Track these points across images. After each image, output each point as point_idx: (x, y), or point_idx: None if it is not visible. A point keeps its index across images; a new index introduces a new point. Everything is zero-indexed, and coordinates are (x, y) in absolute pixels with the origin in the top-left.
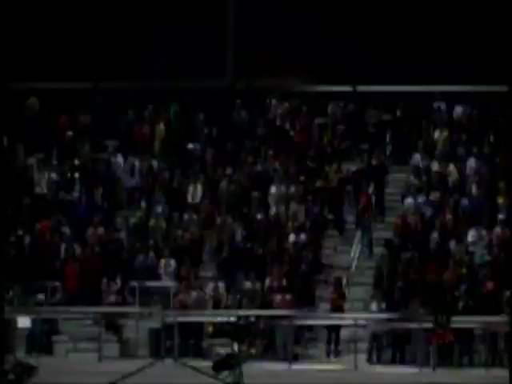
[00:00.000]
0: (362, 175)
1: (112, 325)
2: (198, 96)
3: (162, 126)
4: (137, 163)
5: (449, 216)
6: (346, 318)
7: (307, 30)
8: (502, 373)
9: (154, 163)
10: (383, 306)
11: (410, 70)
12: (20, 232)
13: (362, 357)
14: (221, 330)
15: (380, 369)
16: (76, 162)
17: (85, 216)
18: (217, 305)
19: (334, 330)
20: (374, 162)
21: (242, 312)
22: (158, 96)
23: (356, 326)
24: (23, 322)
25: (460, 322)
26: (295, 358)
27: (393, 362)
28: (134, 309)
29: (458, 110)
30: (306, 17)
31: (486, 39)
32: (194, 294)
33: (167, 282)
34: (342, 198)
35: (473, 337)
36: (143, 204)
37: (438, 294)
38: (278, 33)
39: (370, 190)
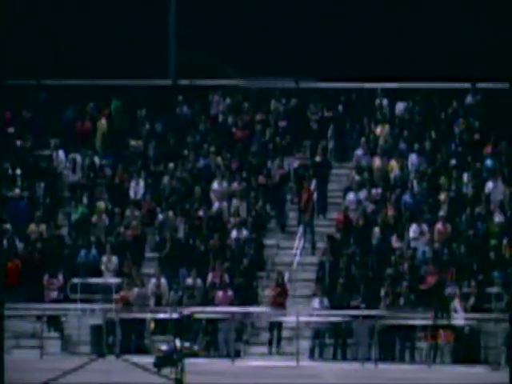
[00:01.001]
0: (304, 171)
1: (54, 321)
2: (140, 92)
3: (103, 122)
4: (79, 159)
5: (390, 212)
6: (287, 315)
7: (248, 27)
8: (442, 369)
9: (96, 159)
10: (325, 302)
11: (352, 66)
12: None
13: (304, 353)
14: (163, 327)
15: (322, 365)
16: (18, 158)
17: (26, 212)
18: (159, 301)
19: (276, 326)
20: (316, 158)
21: (184, 308)
22: (99, 92)
23: (298, 321)
24: None
25: (401, 317)
26: (237, 355)
27: (335, 358)
28: (76, 305)
29: (400, 106)
30: (246, 14)
31: (429, 36)
32: (136, 290)
33: (109, 279)
34: (284, 194)
35: (414, 333)
36: (85, 200)
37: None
38: (220, 30)
39: (312, 186)
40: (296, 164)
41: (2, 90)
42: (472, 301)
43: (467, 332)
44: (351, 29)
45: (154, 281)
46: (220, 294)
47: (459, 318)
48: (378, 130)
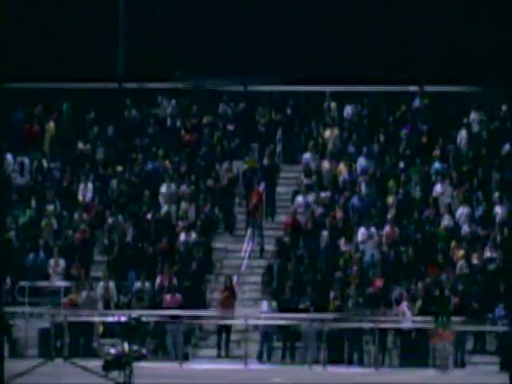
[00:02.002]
0: (253, 174)
1: (1, 324)
2: (88, 95)
3: (51, 125)
4: (27, 162)
5: (339, 215)
6: (236, 318)
7: (197, 29)
8: (390, 372)
9: (44, 162)
10: (274, 305)
11: (301, 69)
12: None
13: (253, 355)
14: (111, 330)
15: (270, 367)
16: None
17: None
18: (107, 304)
19: (225, 329)
20: (264, 161)
21: (132, 311)
22: (48, 95)
23: (246, 324)
24: None
25: (350, 320)
26: (186, 358)
27: (283, 360)
28: (24, 308)
29: (348, 109)
30: (195, 17)
31: (378, 39)
32: (84, 293)
33: (57, 282)
34: (232, 197)
35: (362, 335)
36: (33, 203)
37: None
38: (168, 33)
39: (261, 189)
40: (245, 167)
41: None
42: (419, 303)
43: (414, 335)
44: (299, 31)
45: (102, 284)
46: (168, 297)
47: (406, 321)
48: (327, 133)
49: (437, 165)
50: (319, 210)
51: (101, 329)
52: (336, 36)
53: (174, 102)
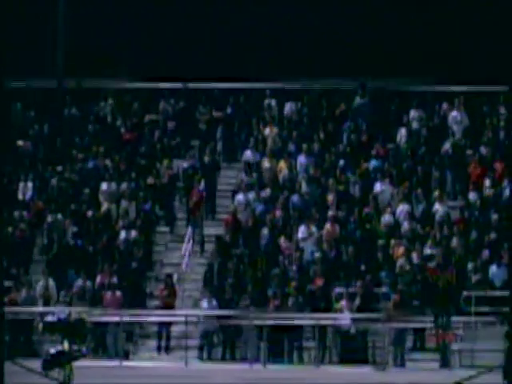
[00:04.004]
0: (193, 172)
1: None
2: (28, 94)
3: None
4: None
5: (279, 212)
6: (176, 315)
7: (137, 27)
8: (330, 369)
9: None
10: (214, 302)
11: (240, 66)
12: None
13: (193, 354)
14: (51, 328)
15: (211, 366)
16: None
17: None
18: (47, 303)
19: (165, 327)
20: (205, 158)
21: (72, 309)
22: None
23: (187, 322)
24: None
25: (289, 318)
26: (126, 355)
27: (223, 358)
28: None
29: (288, 107)
30: (136, 14)
31: (319, 35)
32: (23, 291)
33: None
34: (172, 194)
35: (302, 333)
36: None
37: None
38: (108, 31)
39: (201, 187)
40: (185, 165)
41: None
42: (358, 301)
43: (354, 332)
44: (241, 29)
45: (42, 283)
46: (109, 295)
47: (346, 319)
48: (267, 130)
49: (376, 162)
50: (259, 208)
51: (40, 327)
52: (274, 33)
53: (114, 99)
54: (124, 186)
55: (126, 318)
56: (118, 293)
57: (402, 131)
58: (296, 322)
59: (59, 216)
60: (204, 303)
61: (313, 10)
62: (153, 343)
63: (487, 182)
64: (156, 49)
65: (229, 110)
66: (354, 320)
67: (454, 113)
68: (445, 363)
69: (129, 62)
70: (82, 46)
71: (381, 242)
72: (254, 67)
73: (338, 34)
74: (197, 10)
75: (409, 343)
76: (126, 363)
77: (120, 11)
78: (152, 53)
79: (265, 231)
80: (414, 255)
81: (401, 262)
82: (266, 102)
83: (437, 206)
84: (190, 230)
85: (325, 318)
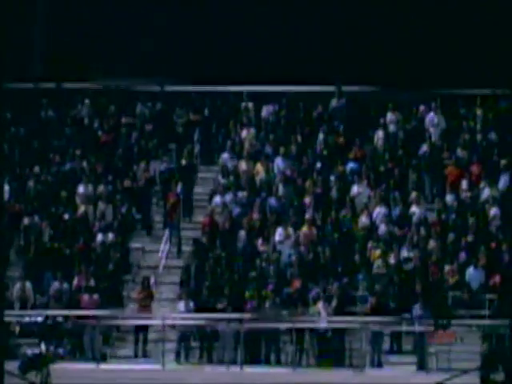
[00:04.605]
0: (170, 175)
1: None
2: (3, 95)
3: None
4: None
5: (256, 215)
6: (153, 318)
7: (114, 30)
8: (307, 371)
9: None
10: (191, 304)
11: (218, 70)
12: None
13: (170, 356)
14: (28, 330)
15: (188, 368)
16: None
17: None
18: (24, 305)
19: (142, 329)
20: (182, 161)
21: (49, 312)
22: None
23: (164, 325)
24: None
25: (268, 320)
26: (103, 358)
27: (200, 361)
28: None
29: (266, 109)
30: (112, 16)
31: (295, 39)
32: None
33: None
34: (149, 197)
35: (279, 335)
36: None
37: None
38: (86, 33)
39: (178, 189)
40: (162, 167)
41: None
42: (334, 303)
43: (330, 335)
44: (218, 32)
45: (18, 285)
46: (86, 297)
47: (322, 321)
48: (244, 133)
49: (354, 165)
50: (236, 210)
51: (17, 329)
52: (254, 36)
53: (91, 102)
54: (101, 188)
55: (103, 321)
56: (95, 295)
57: (379, 134)
58: (273, 325)
59: (36, 218)
60: (181, 305)
61: (291, 15)
62: (130, 345)
63: (464, 185)
64: (133, 51)
65: (206, 113)
66: (330, 322)
67: (431, 115)
68: (422, 365)
69: (106, 64)
70: (59, 48)
71: (358, 244)
72: (231, 70)
73: (316, 38)
74: (174, 12)
75: (386, 345)
76: (103, 366)
77: (99, 14)
78: (129, 55)
79: (242, 234)
80: (391, 257)
81: (378, 264)
82: (243, 104)
83: (414, 209)
84: (167, 232)
85: (302, 321)
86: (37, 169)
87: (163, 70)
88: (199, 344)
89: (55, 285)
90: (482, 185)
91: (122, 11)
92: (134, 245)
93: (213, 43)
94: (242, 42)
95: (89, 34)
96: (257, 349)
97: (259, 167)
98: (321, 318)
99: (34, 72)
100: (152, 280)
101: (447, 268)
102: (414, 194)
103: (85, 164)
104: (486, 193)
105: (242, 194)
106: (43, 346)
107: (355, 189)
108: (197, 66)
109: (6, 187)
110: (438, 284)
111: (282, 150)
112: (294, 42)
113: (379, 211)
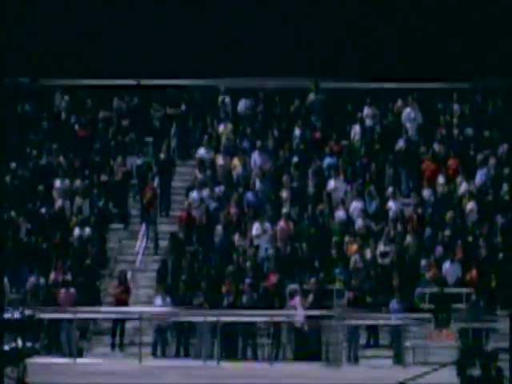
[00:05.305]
0: (147, 169)
1: None
2: None
3: None
4: None
5: (233, 210)
6: (130, 312)
7: (91, 25)
8: (283, 366)
9: None
10: (168, 299)
11: (195, 63)
12: None
13: (147, 350)
14: (4, 325)
15: (164, 362)
16: None
17: None
18: (0, 301)
19: (119, 323)
20: (159, 156)
21: (26, 307)
22: None
23: (140, 319)
24: None
25: (244, 315)
26: (80, 353)
27: (177, 355)
28: None
29: (243, 103)
30: (89, 10)
31: (274, 34)
32: None
33: None
34: (126, 191)
35: (256, 330)
36: None
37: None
38: (62, 28)
39: (155, 183)
40: (139, 162)
41: None
42: (311, 298)
43: (307, 329)
44: (196, 27)
45: None
46: (63, 292)
47: (299, 316)
48: (221, 127)
49: (330, 159)
50: (213, 205)
51: None
52: (232, 31)
53: (68, 97)
54: (78, 182)
55: (80, 315)
56: (72, 290)
57: (356, 128)
58: (250, 319)
59: (12, 213)
60: (158, 300)
61: (268, 9)
62: (106, 340)
63: (441, 179)
64: (110, 46)
65: (183, 107)
66: (307, 317)
67: (408, 110)
68: (398, 360)
69: (82, 59)
70: (36, 43)
71: (335, 238)
72: (207, 64)
73: (294, 32)
74: (150, 8)
75: (362, 340)
76: (79, 360)
77: (76, 10)
78: (106, 50)
79: (219, 228)
80: (368, 252)
81: (355, 258)
82: (220, 99)
83: (390, 203)
84: (143, 226)
85: (278, 315)
86: (13, 163)
87: (139, 64)
88: (176, 338)
89: (32, 279)
90: (458, 179)
91: (99, 6)
92: (111, 240)
93: (190, 37)
94: (220, 36)
95: (65, 29)
96: (233, 343)
97: (236, 162)
98: (298, 312)
99: (10, 66)
100: (129, 274)
101: (423, 262)
102: (390, 189)
103: (62, 158)
104: (463, 187)
105: (219, 189)
106: (19, 341)
107: (332, 183)
108: (174, 61)
109: None
110: (415, 278)
111: (258, 144)
112: (271, 36)
113: (356, 206)
